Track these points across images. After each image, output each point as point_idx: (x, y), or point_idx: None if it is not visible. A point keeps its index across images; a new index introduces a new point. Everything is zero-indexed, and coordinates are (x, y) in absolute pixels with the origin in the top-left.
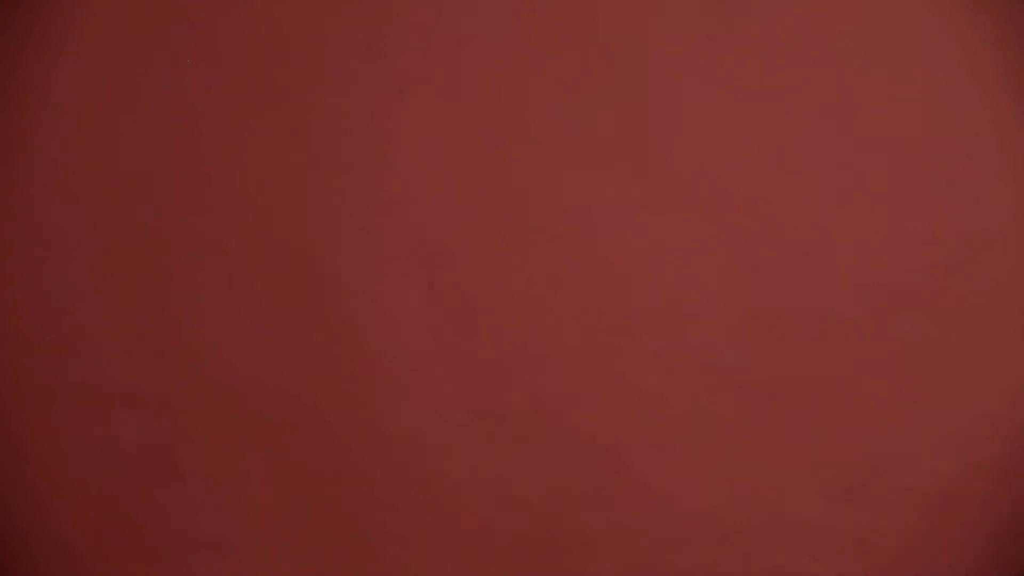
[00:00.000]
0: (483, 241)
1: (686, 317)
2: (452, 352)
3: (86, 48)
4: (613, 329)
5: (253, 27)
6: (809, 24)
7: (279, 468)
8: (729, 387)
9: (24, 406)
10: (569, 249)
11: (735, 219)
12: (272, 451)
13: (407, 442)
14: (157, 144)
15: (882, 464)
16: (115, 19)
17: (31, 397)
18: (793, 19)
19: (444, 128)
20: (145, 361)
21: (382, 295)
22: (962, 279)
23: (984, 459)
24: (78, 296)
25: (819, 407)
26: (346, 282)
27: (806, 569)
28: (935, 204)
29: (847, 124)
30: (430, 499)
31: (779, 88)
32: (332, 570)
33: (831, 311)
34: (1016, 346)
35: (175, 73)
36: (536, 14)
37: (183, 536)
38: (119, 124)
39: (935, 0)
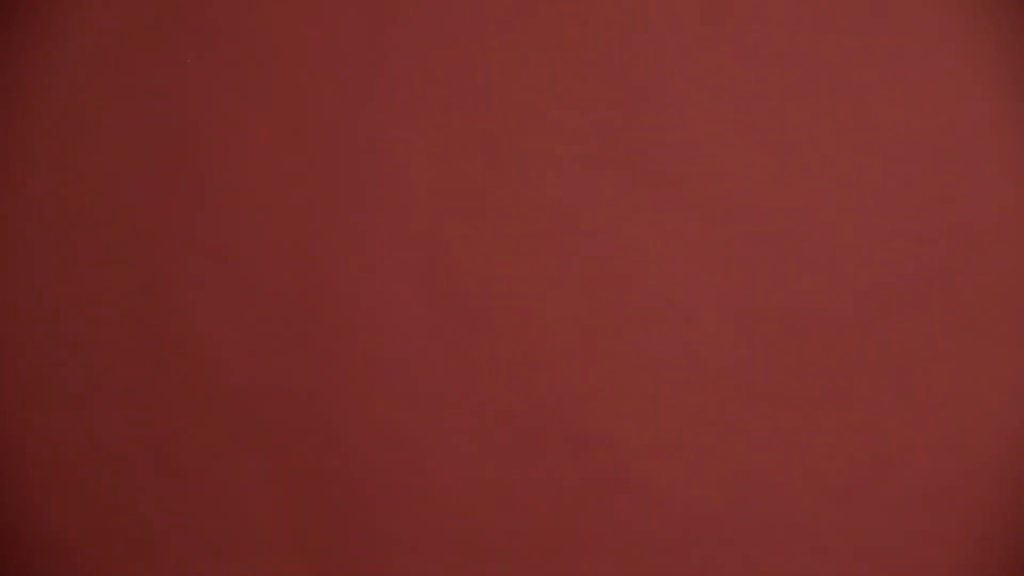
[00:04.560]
0: (482, 241)
1: (686, 317)
2: (451, 352)
3: (86, 48)
4: (613, 329)
5: (253, 27)
6: (808, 25)
7: (278, 468)
8: (728, 387)
9: (24, 406)
10: (569, 250)
11: (734, 219)
12: (271, 451)
13: (406, 442)
14: (157, 145)
15: (882, 464)
16: (115, 19)
17: (31, 397)
18: (792, 20)
19: (443, 130)
20: (144, 361)
21: (381, 295)
22: (962, 279)
23: (984, 459)
24: (78, 296)
25: (819, 407)
26: (345, 282)
27: (806, 569)
28: (935, 204)
29: (846, 124)
30: (430, 499)
31: (778, 88)
32: (332, 570)
33: (830, 311)
34: (1016, 346)
35: (175, 73)
36: (534, 16)
37: (182, 536)
38: (119, 124)
39: (935, 0)
